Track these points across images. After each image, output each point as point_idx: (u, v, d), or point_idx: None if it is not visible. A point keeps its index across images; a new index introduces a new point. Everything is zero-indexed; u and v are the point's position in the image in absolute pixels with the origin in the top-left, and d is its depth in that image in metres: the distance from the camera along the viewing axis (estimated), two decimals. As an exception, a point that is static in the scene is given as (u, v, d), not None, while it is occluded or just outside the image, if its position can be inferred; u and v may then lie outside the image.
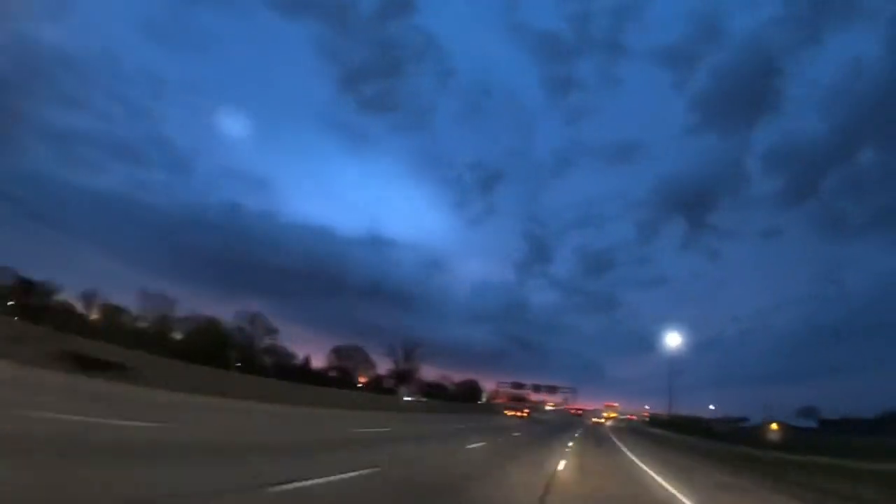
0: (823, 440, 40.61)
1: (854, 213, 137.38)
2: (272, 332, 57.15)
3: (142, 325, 48.87)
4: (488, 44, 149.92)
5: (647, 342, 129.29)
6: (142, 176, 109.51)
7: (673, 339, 52.81)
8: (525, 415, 73.38)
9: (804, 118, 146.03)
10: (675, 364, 53.74)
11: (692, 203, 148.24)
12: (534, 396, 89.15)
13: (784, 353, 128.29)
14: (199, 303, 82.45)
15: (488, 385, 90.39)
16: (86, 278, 65.82)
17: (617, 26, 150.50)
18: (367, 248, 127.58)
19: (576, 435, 37.65)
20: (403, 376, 69.97)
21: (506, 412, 72.81)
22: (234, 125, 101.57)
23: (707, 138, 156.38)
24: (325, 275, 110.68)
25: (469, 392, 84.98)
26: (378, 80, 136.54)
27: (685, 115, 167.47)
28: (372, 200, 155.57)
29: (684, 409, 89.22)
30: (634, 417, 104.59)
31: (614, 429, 72.70)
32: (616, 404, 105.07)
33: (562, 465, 14.93)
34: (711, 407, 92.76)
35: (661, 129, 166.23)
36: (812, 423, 68.79)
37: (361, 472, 8.43)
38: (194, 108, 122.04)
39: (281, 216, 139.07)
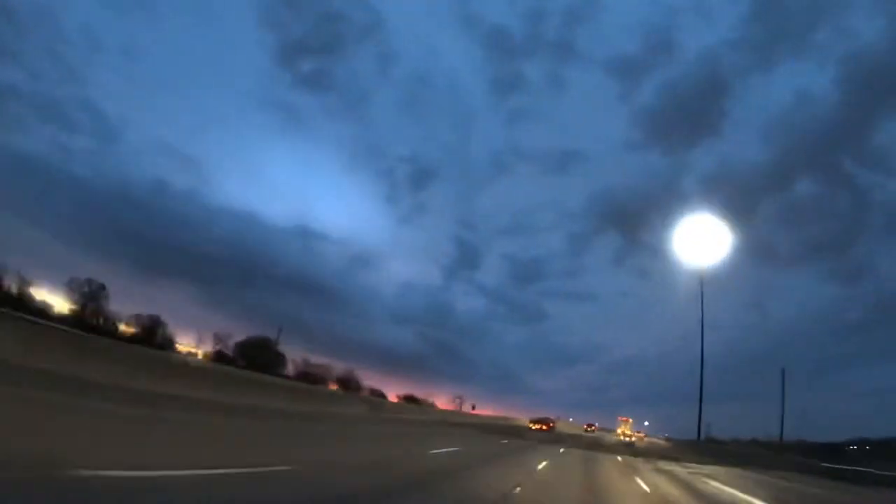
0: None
1: (785, 244, 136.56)
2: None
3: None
4: (436, 31, 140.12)
5: (572, 356, 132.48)
6: (67, 141, 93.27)
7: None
8: (548, 428, 74.11)
9: (746, 144, 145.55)
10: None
11: (626, 219, 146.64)
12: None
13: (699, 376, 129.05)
14: (113, 279, 78.21)
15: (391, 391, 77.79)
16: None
17: (570, 29, 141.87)
18: (292, 236, 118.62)
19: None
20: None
21: (531, 426, 74.58)
22: (167, 96, 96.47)
23: (647, 155, 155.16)
24: (246, 262, 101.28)
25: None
26: (317, 56, 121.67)
27: (628, 129, 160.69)
28: (300, 185, 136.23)
29: (608, 424, 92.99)
30: (642, 436, 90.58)
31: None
32: (629, 419, 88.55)
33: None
34: (646, 423, 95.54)
35: (602, 141, 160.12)
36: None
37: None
38: (128, 76, 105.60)
39: (207, 197, 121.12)
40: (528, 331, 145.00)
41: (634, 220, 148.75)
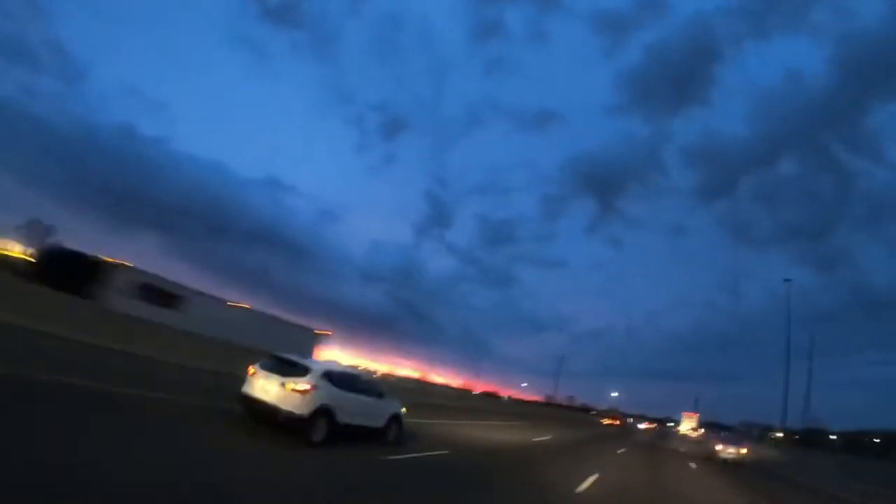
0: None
1: (762, 224, 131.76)
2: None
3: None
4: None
5: (539, 323, 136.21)
6: (32, 82, 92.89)
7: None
8: (619, 423, 72.55)
9: (731, 117, 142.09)
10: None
11: (603, 185, 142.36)
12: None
13: (669, 353, 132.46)
14: (78, 228, 73.47)
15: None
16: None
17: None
18: (259, 187, 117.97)
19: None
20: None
21: (602, 421, 72.66)
22: (133, 34, 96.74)
23: (629, 120, 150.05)
24: (213, 213, 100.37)
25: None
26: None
27: (610, 91, 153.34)
28: (267, 132, 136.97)
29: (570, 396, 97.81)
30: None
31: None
32: (696, 414, 78.58)
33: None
34: (614, 394, 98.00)
35: (582, 102, 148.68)
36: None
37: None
38: (94, 13, 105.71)
39: (174, 143, 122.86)
40: (497, 295, 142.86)
41: (611, 188, 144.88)
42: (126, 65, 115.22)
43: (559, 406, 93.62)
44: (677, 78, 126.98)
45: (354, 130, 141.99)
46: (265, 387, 9.37)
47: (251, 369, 9.82)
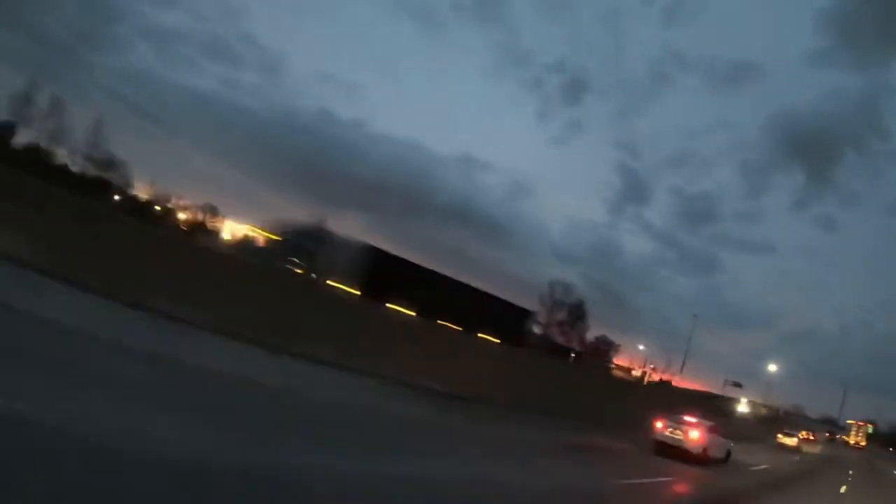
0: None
1: None
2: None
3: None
4: None
5: (743, 318, 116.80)
6: (234, 76, 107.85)
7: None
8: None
9: None
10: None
11: (810, 151, 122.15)
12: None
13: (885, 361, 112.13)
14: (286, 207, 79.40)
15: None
16: (186, 176, 70.42)
17: None
18: (453, 164, 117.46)
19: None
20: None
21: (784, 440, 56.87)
22: (313, 21, 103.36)
23: (837, 68, 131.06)
24: (409, 190, 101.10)
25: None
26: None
27: (812, 34, 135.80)
28: (448, 102, 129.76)
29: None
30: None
31: None
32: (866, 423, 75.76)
33: None
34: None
35: (779, 48, 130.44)
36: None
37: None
38: (276, 4, 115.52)
39: (368, 126, 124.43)
40: (697, 283, 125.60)
41: (820, 155, 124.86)
42: (314, 52, 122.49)
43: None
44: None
45: (534, 96, 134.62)
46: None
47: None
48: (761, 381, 60.23)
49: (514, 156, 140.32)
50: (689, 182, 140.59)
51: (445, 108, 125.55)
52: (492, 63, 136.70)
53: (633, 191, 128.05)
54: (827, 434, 73.42)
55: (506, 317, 35.30)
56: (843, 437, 76.50)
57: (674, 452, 16.25)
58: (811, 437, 56.25)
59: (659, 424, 17.23)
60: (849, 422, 78.29)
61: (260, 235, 39.99)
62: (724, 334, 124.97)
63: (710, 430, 17.82)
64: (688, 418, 17.66)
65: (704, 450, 16.80)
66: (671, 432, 16.84)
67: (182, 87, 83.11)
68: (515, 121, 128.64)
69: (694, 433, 16.71)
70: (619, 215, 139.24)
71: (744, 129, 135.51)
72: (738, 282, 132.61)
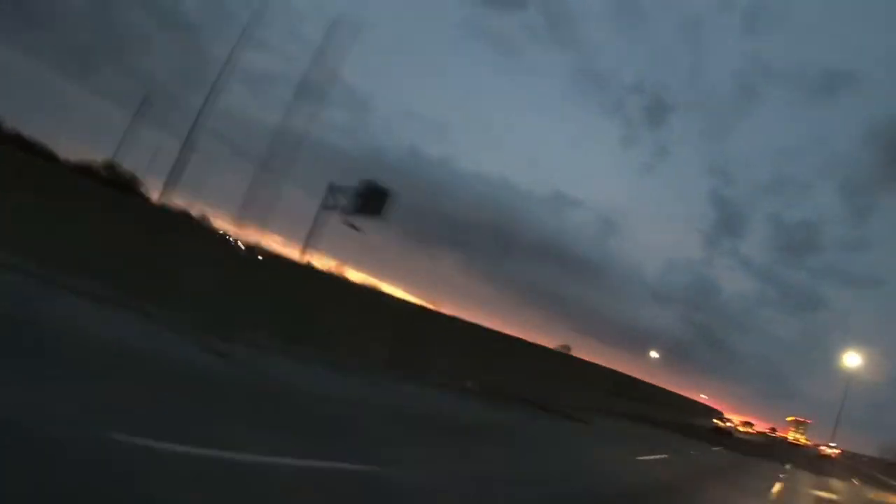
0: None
1: None
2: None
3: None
4: None
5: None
6: (324, 116, 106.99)
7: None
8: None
9: None
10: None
11: None
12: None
13: None
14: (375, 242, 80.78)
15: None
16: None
17: None
18: (540, 201, 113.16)
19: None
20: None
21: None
22: (392, 57, 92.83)
23: None
24: (496, 229, 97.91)
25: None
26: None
27: None
28: (531, 132, 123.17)
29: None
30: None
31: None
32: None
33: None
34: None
35: (872, 51, 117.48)
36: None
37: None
38: (364, 46, 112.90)
39: (458, 162, 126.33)
40: (799, 321, 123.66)
41: None
42: (399, 89, 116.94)
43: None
44: None
45: (616, 120, 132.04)
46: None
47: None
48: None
49: (603, 187, 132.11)
50: (785, 208, 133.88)
51: (528, 137, 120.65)
52: (571, 88, 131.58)
53: (729, 221, 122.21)
54: None
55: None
56: None
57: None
58: None
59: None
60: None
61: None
62: (828, 377, 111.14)
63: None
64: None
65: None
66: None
67: (273, 126, 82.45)
68: (600, 148, 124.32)
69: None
70: (715, 249, 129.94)
71: (842, 144, 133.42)
72: (842, 319, 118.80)
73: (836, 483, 24.77)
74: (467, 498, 5.92)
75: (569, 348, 49.63)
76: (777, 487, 16.37)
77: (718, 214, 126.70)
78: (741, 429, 72.71)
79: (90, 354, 6.50)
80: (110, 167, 40.65)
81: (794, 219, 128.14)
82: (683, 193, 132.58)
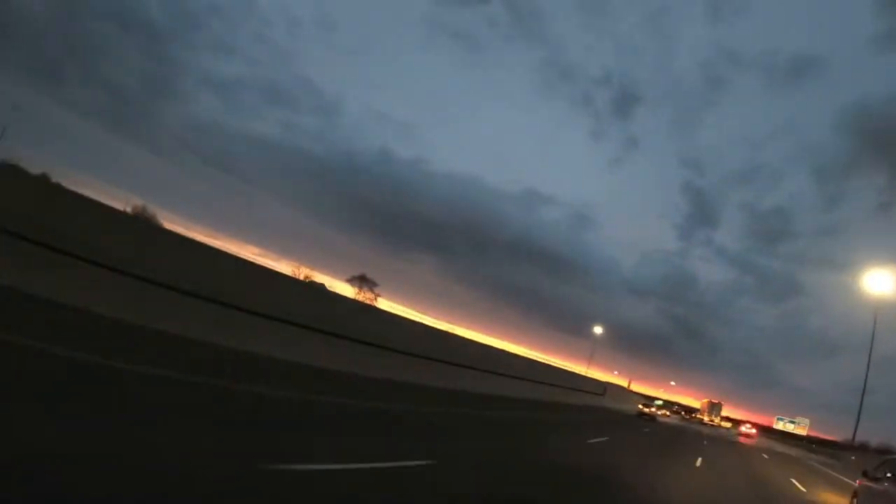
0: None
1: None
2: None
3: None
4: None
5: (828, 345, 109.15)
6: (293, 120, 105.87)
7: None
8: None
9: None
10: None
11: (890, 146, 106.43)
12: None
13: None
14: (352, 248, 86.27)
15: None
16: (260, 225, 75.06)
17: None
18: (512, 198, 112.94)
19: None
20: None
21: None
22: (357, 56, 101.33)
23: None
24: (466, 228, 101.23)
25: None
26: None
27: (873, 17, 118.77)
28: (498, 126, 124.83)
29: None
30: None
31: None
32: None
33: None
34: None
35: (838, 36, 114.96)
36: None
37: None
38: (330, 48, 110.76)
39: (430, 163, 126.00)
40: (773, 308, 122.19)
41: None
42: (366, 91, 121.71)
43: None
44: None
45: (585, 113, 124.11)
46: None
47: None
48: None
49: (575, 182, 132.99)
50: (758, 195, 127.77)
51: (498, 134, 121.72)
52: (538, 82, 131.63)
53: (702, 212, 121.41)
54: None
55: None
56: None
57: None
58: None
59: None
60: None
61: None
62: (812, 365, 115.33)
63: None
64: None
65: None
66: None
67: (244, 133, 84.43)
68: (570, 143, 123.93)
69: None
70: (690, 240, 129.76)
71: (812, 129, 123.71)
72: (820, 305, 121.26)
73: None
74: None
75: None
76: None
77: (692, 205, 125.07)
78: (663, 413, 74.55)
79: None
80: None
81: (768, 206, 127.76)
82: (656, 185, 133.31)
